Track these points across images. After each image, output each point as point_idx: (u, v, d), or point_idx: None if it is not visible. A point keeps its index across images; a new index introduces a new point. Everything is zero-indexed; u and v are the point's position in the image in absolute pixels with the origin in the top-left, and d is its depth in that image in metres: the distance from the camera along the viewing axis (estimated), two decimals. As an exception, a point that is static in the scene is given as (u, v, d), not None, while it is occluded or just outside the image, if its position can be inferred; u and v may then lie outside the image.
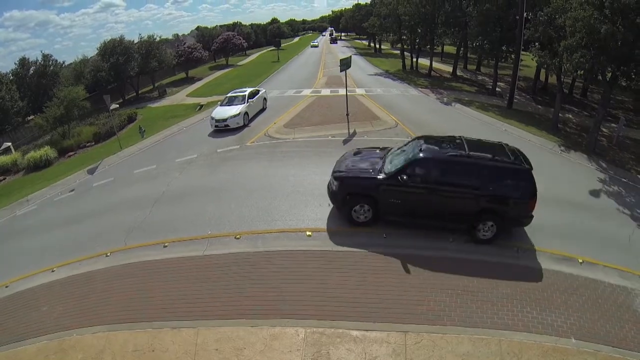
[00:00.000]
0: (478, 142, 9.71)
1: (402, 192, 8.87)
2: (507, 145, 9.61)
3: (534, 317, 7.06)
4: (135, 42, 37.21)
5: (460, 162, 8.65)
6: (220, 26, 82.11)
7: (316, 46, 76.60)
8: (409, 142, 10.26)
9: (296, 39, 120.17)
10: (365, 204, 9.24)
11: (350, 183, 9.37)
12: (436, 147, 9.29)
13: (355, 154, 10.79)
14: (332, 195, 9.73)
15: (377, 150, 10.81)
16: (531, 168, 8.63)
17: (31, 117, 31.09)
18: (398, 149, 10.18)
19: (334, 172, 9.83)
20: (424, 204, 8.91)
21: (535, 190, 8.55)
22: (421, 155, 8.94)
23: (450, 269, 8.12)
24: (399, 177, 8.80)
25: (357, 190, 9.29)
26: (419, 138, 10.22)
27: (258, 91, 22.22)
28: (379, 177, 9.09)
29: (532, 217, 8.81)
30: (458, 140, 9.47)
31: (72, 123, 24.18)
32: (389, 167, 9.23)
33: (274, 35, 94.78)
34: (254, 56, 66.94)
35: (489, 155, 8.77)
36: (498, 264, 8.37)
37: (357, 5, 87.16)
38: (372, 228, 9.39)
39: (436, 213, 8.96)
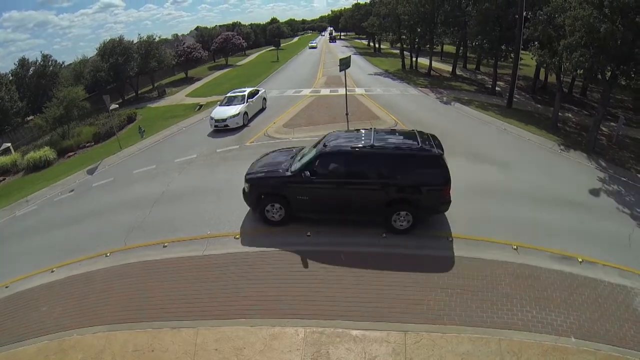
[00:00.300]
0: (389, 132, 9.79)
1: (308, 189, 8.90)
2: (420, 132, 9.59)
3: (534, 316, 7.05)
4: (135, 42, 37.15)
5: (364, 153, 8.68)
6: (220, 26, 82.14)
7: (314, 47, 70.90)
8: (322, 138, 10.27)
9: (295, 39, 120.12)
10: (276, 203, 9.26)
11: (261, 184, 9.45)
12: (341, 141, 9.29)
13: (270, 154, 10.89)
14: (245, 197, 9.79)
15: (293, 150, 10.90)
16: (442, 153, 8.55)
17: (31, 117, 31.02)
18: (310, 146, 10.18)
19: (246, 174, 9.86)
20: (331, 199, 8.94)
21: (449, 176, 8.46)
22: (323, 150, 8.97)
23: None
24: (303, 174, 8.83)
25: (267, 190, 9.36)
26: (330, 133, 10.27)
27: (257, 91, 22.23)
28: (286, 175, 9.15)
29: (449, 202, 8.76)
30: (368, 132, 9.53)
31: (71, 123, 24.14)
32: (296, 165, 9.29)
33: (274, 35, 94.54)
34: (253, 56, 66.91)
35: (396, 145, 8.81)
36: (500, 262, 8.39)
37: (357, 5, 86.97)
38: (372, 229, 9.37)
39: (346, 207, 9.00)
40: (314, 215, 9.35)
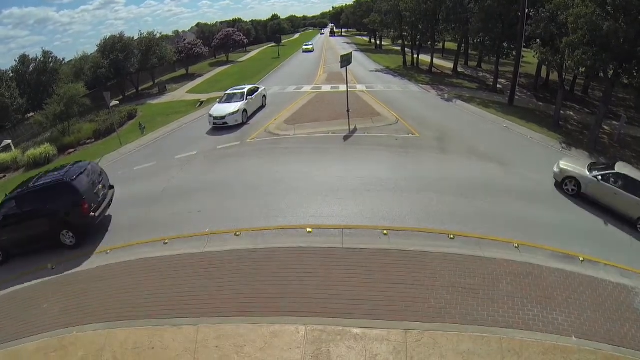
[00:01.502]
0: (58, 167, 11.18)
1: (3, 232, 10.13)
2: (77, 162, 11.05)
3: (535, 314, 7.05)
4: (135, 38, 37.00)
5: (23, 194, 10.11)
6: (221, 22, 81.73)
7: (310, 50, 54.04)
8: None
9: (296, 36, 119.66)
10: None
11: None
12: (21, 187, 10.52)
13: None
14: None
15: None
16: (72, 179, 9.89)
17: (31, 114, 30.99)
18: None
19: None
20: (19, 236, 10.15)
21: (80, 196, 9.78)
22: (4, 199, 10.31)
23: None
24: None
25: None
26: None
27: (257, 88, 22.12)
28: None
29: (92, 218, 10.02)
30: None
31: (72, 120, 24.08)
32: None
33: (275, 32, 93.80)
34: (254, 52, 66.73)
35: (45, 180, 10.18)
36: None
37: (358, 2, 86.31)
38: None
39: (29, 239, 10.20)
40: (17, 252, 10.44)
